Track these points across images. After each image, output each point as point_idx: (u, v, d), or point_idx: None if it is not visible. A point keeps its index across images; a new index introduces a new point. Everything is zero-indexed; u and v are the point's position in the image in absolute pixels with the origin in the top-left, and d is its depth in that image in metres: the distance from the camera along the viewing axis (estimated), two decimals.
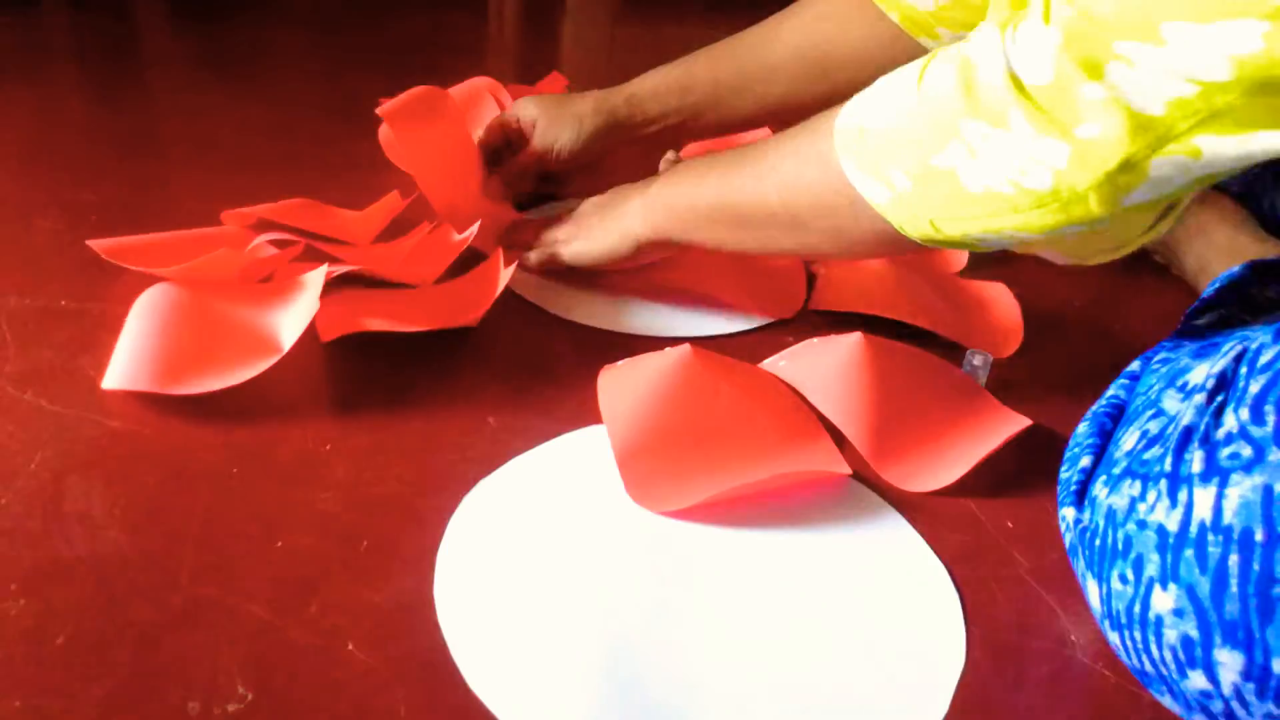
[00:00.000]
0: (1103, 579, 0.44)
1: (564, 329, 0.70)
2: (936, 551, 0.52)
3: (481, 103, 0.94)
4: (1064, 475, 0.52)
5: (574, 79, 1.06)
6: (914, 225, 0.51)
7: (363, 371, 0.60)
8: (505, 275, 0.64)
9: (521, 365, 0.66)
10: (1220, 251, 0.78)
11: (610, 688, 0.43)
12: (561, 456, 0.57)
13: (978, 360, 0.68)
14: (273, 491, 0.52)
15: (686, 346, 0.58)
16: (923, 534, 0.53)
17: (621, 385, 0.58)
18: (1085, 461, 0.50)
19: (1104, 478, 0.47)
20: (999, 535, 0.54)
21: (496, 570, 0.48)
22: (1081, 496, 0.49)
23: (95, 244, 0.70)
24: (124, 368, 0.58)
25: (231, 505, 0.51)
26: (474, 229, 0.72)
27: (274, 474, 0.53)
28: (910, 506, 0.55)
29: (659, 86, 0.78)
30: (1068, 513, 0.49)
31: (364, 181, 0.88)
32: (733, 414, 0.58)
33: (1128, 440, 0.47)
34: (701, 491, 0.53)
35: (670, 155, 0.82)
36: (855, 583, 0.50)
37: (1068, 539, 0.49)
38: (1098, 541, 0.45)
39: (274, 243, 0.70)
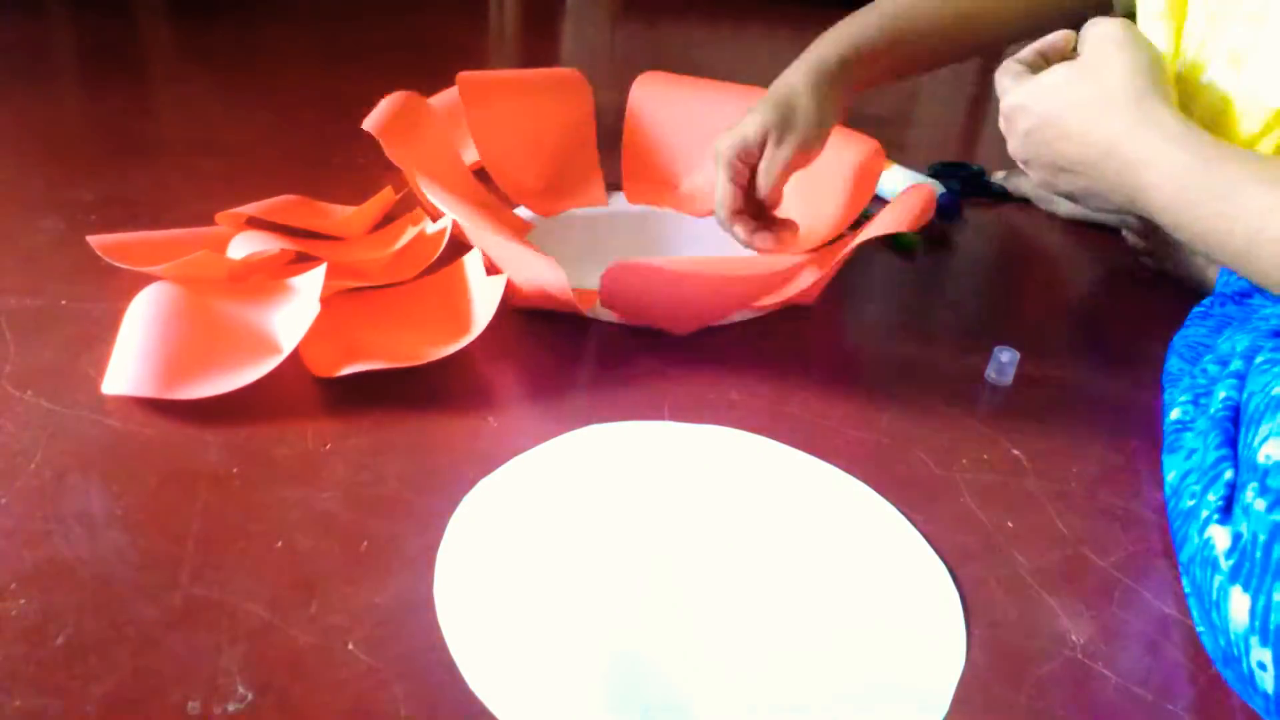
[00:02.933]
0: (1260, 591, 0.42)
1: (564, 328, 0.70)
2: (937, 551, 0.52)
3: None
4: (1198, 492, 0.49)
5: None
6: None
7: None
8: (498, 285, 0.64)
9: (521, 365, 0.66)
10: None
11: (610, 687, 0.43)
12: (561, 456, 0.57)
13: (1005, 356, 0.68)
14: (273, 491, 0.52)
15: None
16: (923, 534, 0.53)
17: None
18: (1229, 474, 0.48)
19: (1254, 485, 0.44)
20: (999, 535, 0.54)
21: (496, 570, 0.48)
22: (1226, 511, 0.47)
23: (94, 240, 0.70)
24: (124, 372, 0.58)
25: (231, 505, 0.50)
26: (449, 221, 0.72)
27: (274, 474, 0.53)
28: (910, 506, 0.55)
29: (860, 46, 0.77)
30: (1218, 532, 0.46)
31: (363, 180, 0.89)
32: None
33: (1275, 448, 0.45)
34: None
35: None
36: (855, 582, 0.50)
37: (1203, 555, 0.46)
38: (1258, 554, 0.42)
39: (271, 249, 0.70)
